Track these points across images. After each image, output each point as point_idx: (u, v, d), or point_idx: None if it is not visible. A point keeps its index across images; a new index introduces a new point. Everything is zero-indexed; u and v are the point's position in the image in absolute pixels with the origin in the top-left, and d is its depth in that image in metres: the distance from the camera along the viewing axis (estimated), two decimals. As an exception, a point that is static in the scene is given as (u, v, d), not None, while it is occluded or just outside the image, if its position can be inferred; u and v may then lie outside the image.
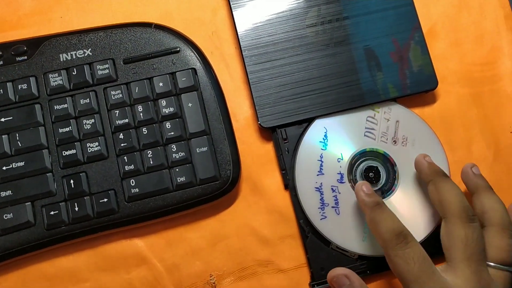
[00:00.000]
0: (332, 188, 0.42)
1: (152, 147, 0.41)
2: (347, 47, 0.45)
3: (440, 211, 0.38)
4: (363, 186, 0.39)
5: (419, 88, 0.44)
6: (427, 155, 0.41)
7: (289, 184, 0.43)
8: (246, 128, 0.45)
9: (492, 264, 0.36)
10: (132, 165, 0.41)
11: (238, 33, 0.44)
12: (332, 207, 0.42)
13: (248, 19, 0.45)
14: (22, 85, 0.42)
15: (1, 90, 0.41)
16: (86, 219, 0.40)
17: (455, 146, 0.45)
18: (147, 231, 0.42)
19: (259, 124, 0.43)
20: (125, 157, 0.41)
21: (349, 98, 0.44)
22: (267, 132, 0.44)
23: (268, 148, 0.44)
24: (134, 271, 0.42)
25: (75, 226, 0.40)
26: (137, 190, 0.41)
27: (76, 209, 0.40)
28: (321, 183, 0.42)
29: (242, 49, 0.44)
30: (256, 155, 0.44)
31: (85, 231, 0.40)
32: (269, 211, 0.43)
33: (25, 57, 0.42)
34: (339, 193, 0.42)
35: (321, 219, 0.41)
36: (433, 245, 0.39)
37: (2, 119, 0.41)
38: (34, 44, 0.43)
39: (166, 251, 0.42)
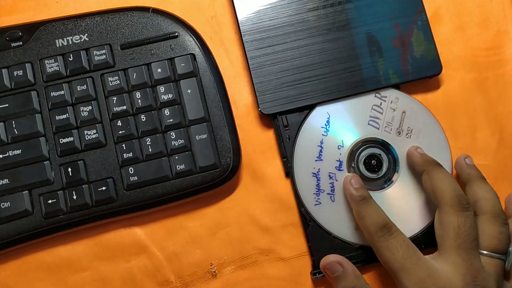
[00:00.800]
0: (329, 175, 0.42)
1: (151, 134, 0.41)
2: (349, 32, 0.44)
3: (434, 200, 0.38)
4: (352, 179, 0.40)
5: (422, 74, 0.43)
6: (419, 147, 0.41)
7: (290, 171, 0.42)
8: (246, 115, 0.44)
9: (484, 252, 0.36)
10: (131, 153, 0.40)
11: (238, 18, 0.43)
12: (328, 193, 0.41)
13: (248, 2, 0.44)
14: (18, 72, 0.41)
15: (-4, 77, 0.41)
16: (85, 208, 0.40)
17: (459, 133, 0.44)
18: (147, 220, 0.42)
19: (260, 111, 0.42)
20: (124, 145, 0.40)
21: (351, 84, 0.43)
22: (268, 119, 0.44)
23: (269, 135, 0.44)
24: (133, 260, 0.41)
25: (74, 214, 0.40)
26: (136, 178, 0.40)
27: (74, 197, 0.39)
28: (318, 169, 0.42)
29: (242, 34, 0.43)
30: (256, 142, 0.43)
31: (83, 219, 0.40)
32: (270, 199, 0.43)
33: (20, 43, 0.41)
34: (336, 180, 0.41)
35: (315, 204, 0.41)
36: (432, 236, 0.38)
37: (-2, 106, 0.40)
38: (30, 30, 0.42)
39: (166, 240, 0.42)
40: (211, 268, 0.41)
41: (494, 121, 0.45)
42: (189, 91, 0.41)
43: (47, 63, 0.41)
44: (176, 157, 0.40)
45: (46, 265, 0.41)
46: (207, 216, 0.42)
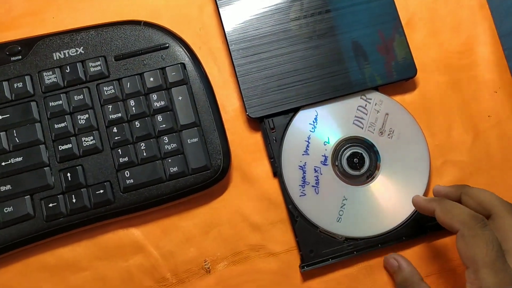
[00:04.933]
0: (315, 169, 0.44)
1: (145, 139, 0.43)
2: (330, 39, 0.46)
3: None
4: (417, 197, 0.39)
5: (399, 76, 0.46)
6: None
7: (278, 166, 0.44)
8: (235, 119, 0.46)
9: None
10: (126, 157, 0.42)
11: (225, 28, 0.46)
12: (312, 186, 0.44)
13: (234, 14, 0.46)
14: (18, 84, 0.43)
15: (-2, 89, 0.42)
16: (84, 210, 0.41)
17: (436, 131, 0.47)
18: (143, 220, 0.44)
19: (247, 115, 0.44)
20: (119, 150, 0.42)
21: (332, 88, 0.45)
22: (255, 122, 0.46)
23: (256, 138, 0.46)
24: (131, 259, 0.43)
25: (73, 217, 0.41)
26: (131, 181, 0.42)
27: (74, 201, 0.41)
28: (305, 163, 0.44)
29: (229, 43, 0.46)
30: (245, 144, 0.46)
31: (83, 221, 0.42)
32: (259, 198, 0.45)
33: (20, 57, 0.43)
34: (321, 174, 0.44)
35: (300, 196, 0.43)
36: (411, 228, 0.42)
37: (0, 117, 0.42)
38: (28, 44, 0.44)
39: (161, 239, 0.44)
40: (205, 265, 0.43)
41: (468, 119, 0.47)
42: (180, 98, 0.44)
43: (45, 75, 0.43)
44: (169, 160, 0.43)
45: (48, 266, 0.43)
46: (200, 215, 0.44)
